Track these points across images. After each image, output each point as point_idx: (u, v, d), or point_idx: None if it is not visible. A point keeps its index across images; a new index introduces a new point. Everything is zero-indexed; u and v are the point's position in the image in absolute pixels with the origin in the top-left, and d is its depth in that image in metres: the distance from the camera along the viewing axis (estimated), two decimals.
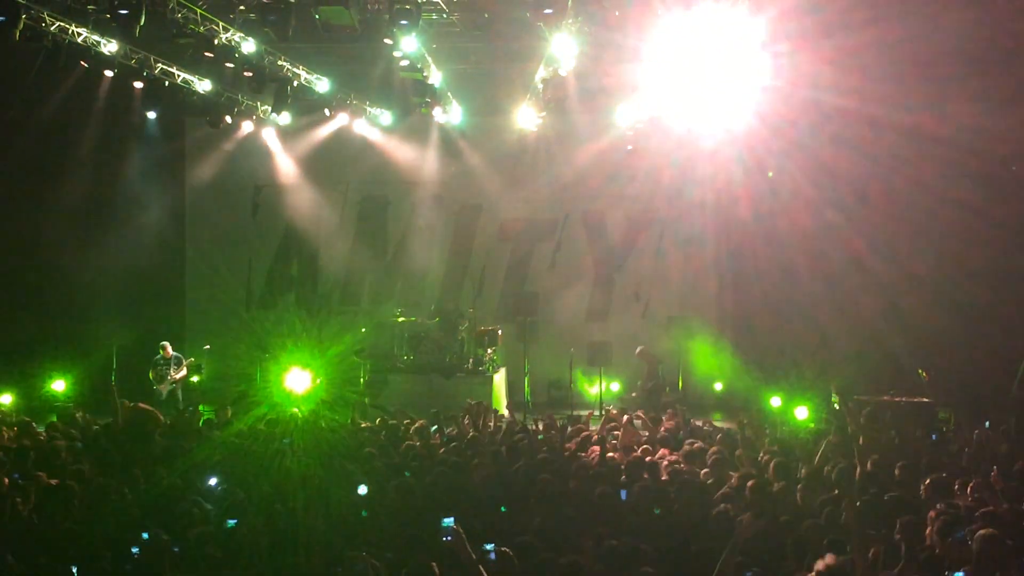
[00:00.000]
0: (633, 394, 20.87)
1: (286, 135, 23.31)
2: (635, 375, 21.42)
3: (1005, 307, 19.04)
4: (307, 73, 19.37)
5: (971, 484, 9.45)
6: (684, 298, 22.55)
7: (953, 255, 19.60)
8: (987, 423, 13.83)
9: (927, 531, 8.05)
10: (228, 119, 21.20)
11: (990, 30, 16.36)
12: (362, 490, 10.49)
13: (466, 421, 14.74)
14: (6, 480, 10.14)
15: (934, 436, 13.84)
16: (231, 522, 8.32)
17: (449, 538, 7.50)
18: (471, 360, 20.27)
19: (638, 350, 20.54)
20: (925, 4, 15.51)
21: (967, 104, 18.07)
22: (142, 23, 13.80)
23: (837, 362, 19.30)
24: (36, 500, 9.56)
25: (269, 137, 23.29)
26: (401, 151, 23.37)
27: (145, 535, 8.07)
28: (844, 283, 20.66)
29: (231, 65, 16.78)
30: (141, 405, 14.68)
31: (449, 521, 7.68)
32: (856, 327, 20.40)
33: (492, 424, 15.19)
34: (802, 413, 13.14)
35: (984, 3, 15.60)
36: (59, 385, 18.88)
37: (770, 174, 20.80)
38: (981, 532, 7.19)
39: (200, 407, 18.25)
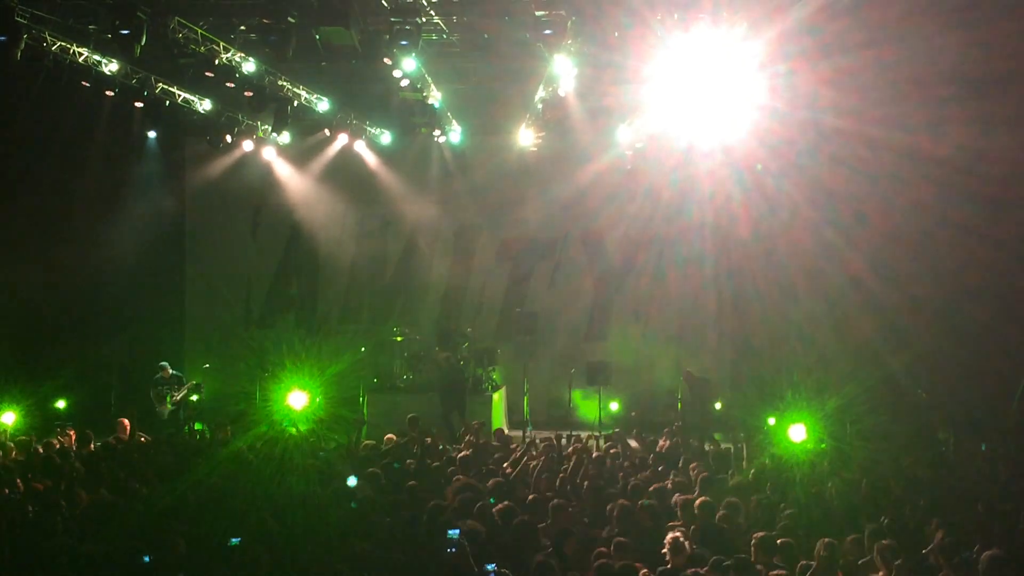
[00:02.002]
0: (632, 413, 20.82)
1: (286, 154, 23.35)
2: (634, 395, 21.43)
3: (1004, 327, 19.04)
4: (307, 93, 19.43)
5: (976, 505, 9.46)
6: (683, 317, 22.54)
7: (951, 275, 19.59)
8: (984, 446, 13.84)
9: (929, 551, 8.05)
10: (228, 138, 21.27)
11: (987, 51, 16.43)
12: (351, 481, 10.54)
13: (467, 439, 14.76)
14: (6, 491, 10.15)
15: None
16: (234, 541, 8.30)
17: (454, 549, 7.51)
18: (471, 379, 20.23)
19: (684, 372, 20.39)
20: (922, 25, 15.57)
21: (965, 125, 18.12)
22: (143, 43, 13.84)
23: (835, 382, 19.29)
24: (35, 516, 9.53)
25: (269, 156, 23.30)
26: (401, 171, 23.42)
27: (146, 558, 8.05)
28: (842, 303, 20.67)
29: (232, 85, 16.83)
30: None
31: (455, 532, 7.70)
32: (854, 347, 20.40)
33: (495, 443, 15.21)
34: (798, 433, 13.08)
35: (981, 25, 15.66)
36: (61, 404, 18.83)
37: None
38: (987, 553, 7.15)
39: (197, 425, 18.22)
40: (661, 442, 15.51)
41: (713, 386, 20.15)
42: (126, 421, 15.72)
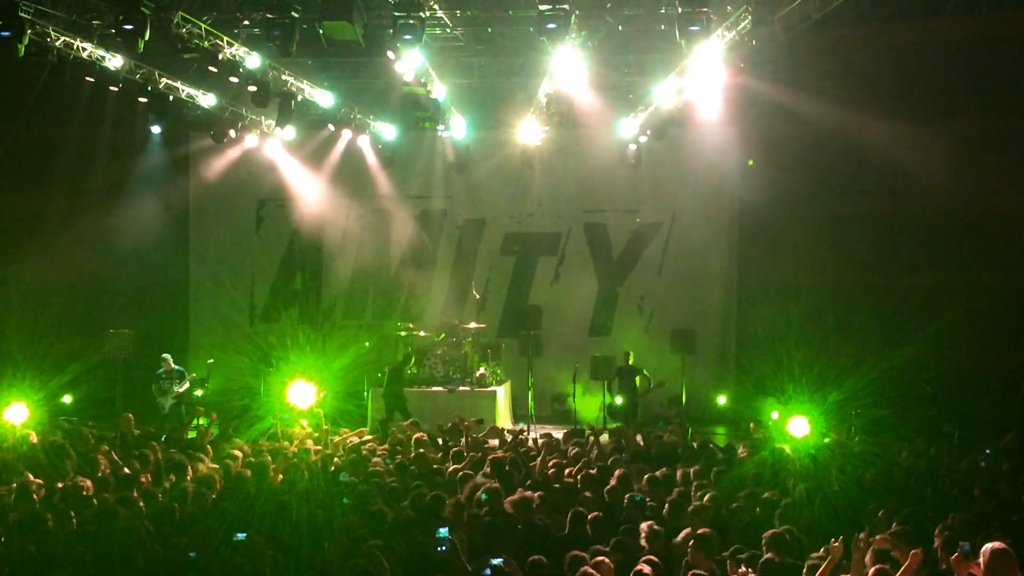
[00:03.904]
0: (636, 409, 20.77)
1: (290, 149, 23.33)
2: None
3: (1008, 321, 19.05)
4: (311, 87, 19.43)
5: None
6: (687, 311, 22.48)
7: (956, 268, 19.60)
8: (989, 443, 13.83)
9: (933, 545, 8.05)
10: (232, 133, 21.29)
11: (995, 45, 16.43)
12: (343, 477, 10.59)
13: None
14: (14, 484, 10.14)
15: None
16: (240, 536, 8.30)
17: (444, 548, 7.54)
18: (475, 374, 20.21)
19: (623, 354, 20.23)
20: (928, 19, 15.58)
21: (973, 116, 18.13)
22: (146, 38, 13.84)
23: (838, 375, 19.29)
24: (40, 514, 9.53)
25: (273, 151, 23.28)
26: (405, 165, 23.41)
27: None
28: (846, 296, 20.66)
29: (235, 80, 16.82)
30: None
31: (444, 531, 7.73)
32: (858, 341, 20.40)
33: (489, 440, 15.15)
34: (800, 427, 13.05)
35: (987, 20, 15.66)
36: (67, 399, 18.88)
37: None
38: (989, 545, 7.13)
39: (202, 420, 18.22)
40: (666, 437, 15.45)
41: (643, 377, 19.91)
42: (131, 416, 15.73)
